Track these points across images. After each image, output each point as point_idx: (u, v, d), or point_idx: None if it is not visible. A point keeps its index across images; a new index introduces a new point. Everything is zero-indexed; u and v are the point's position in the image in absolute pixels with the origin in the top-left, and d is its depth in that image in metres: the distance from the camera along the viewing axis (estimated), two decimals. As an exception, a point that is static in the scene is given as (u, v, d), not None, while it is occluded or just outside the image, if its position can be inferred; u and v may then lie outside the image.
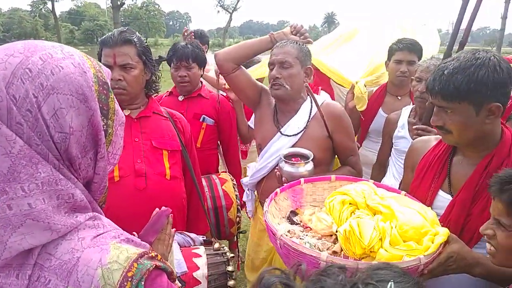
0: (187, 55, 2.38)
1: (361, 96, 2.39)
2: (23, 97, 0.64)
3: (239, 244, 2.60)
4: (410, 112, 2.25)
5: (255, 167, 1.99)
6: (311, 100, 1.88)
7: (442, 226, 1.20)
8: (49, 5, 46.38)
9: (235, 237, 2.43)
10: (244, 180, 2.11)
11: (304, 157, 1.72)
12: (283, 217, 1.45)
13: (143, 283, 0.68)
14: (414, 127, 1.92)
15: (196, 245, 1.57)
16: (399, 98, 2.61)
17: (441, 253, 1.11)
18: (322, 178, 1.55)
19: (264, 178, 1.96)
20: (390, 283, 0.78)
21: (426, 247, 1.11)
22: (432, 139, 1.50)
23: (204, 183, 2.24)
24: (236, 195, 2.27)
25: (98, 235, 0.71)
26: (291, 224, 1.42)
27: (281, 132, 1.89)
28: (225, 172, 2.56)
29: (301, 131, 1.85)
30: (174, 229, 1.17)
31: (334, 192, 1.39)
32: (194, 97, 2.49)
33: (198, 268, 1.43)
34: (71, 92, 0.68)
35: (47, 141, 0.66)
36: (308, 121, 1.86)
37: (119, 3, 29.12)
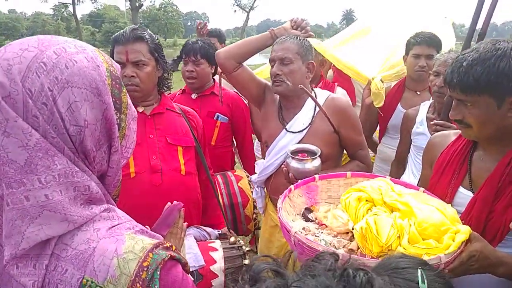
0: (195, 50, 2.38)
1: (378, 92, 2.34)
2: (38, 90, 0.65)
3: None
4: (429, 107, 2.19)
5: (262, 164, 1.97)
6: (315, 95, 1.85)
7: (463, 223, 1.16)
8: (71, 8, 47.58)
9: (253, 233, 2.42)
10: (253, 178, 2.11)
11: (311, 153, 1.70)
12: (297, 214, 1.43)
13: (158, 272, 0.69)
14: (432, 122, 1.86)
15: (212, 239, 1.57)
16: (418, 93, 2.55)
17: (463, 252, 1.07)
18: (337, 175, 1.52)
19: (273, 175, 1.94)
20: (419, 270, 0.77)
21: (446, 245, 1.08)
22: (451, 134, 1.45)
23: (219, 180, 2.25)
24: (252, 191, 2.26)
25: (113, 226, 0.72)
26: (306, 221, 1.40)
27: (286, 129, 1.87)
28: (241, 169, 2.56)
29: (306, 127, 1.84)
30: (186, 223, 1.17)
31: (350, 189, 1.36)
32: (207, 95, 2.48)
33: (215, 261, 1.44)
34: (85, 86, 0.69)
35: (63, 134, 0.67)
36: (313, 116, 1.84)
37: (137, 4, 29.56)
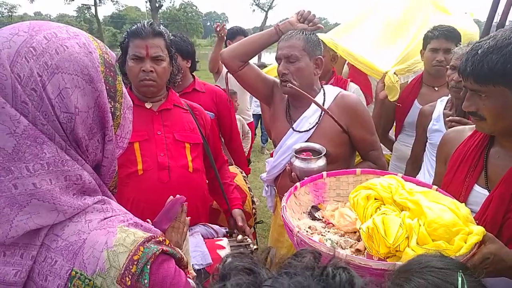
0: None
1: (392, 85, 2.26)
2: (27, 76, 0.63)
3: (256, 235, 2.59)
4: (446, 103, 2.10)
5: (271, 165, 1.93)
6: (324, 93, 1.79)
7: (478, 224, 1.10)
8: (93, 10, 48.61)
9: (253, 228, 2.40)
10: (263, 176, 2.07)
11: (317, 152, 1.64)
12: (303, 212, 1.39)
13: (148, 267, 0.67)
14: (448, 118, 1.77)
15: (219, 237, 1.56)
16: (436, 89, 2.45)
17: (476, 254, 1.01)
18: (346, 172, 1.47)
19: (281, 174, 1.90)
20: (460, 274, 0.73)
21: (458, 247, 1.02)
22: (466, 129, 1.38)
23: None
24: (248, 187, 2.23)
25: (105, 218, 0.71)
26: (312, 219, 1.37)
27: (293, 128, 1.81)
28: (233, 165, 2.52)
29: (313, 127, 1.76)
30: (189, 217, 1.15)
31: (359, 187, 1.32)
32: (189, 92, 2.41)
33: None
34: (76, 72, 0.67)
35: (53, 121, 0.66)
36: (320, 116, 1.77)
37: (157, 5, 29.97)
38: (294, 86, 1.68)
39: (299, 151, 1.66)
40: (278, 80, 1.89)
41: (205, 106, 2.36)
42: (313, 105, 1.78)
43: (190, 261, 1.22)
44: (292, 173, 1.63)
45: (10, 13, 57.66)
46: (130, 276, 0.65)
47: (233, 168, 2.37)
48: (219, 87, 2.66)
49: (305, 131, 1.77)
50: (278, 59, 1.77)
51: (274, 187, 2.05)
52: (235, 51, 1.88)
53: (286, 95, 1.88)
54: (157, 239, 0.72)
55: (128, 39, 1.64)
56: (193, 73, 2.55)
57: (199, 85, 2.46)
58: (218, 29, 3.43)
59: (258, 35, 1.92)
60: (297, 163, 1.62)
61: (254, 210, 2.19)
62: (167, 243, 0.74)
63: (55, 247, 0.66)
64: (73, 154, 0.70)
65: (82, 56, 0.69)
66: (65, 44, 0.68)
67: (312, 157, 1.61)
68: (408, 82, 2.63)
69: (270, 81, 1.95)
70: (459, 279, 0.73)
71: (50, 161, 0.65)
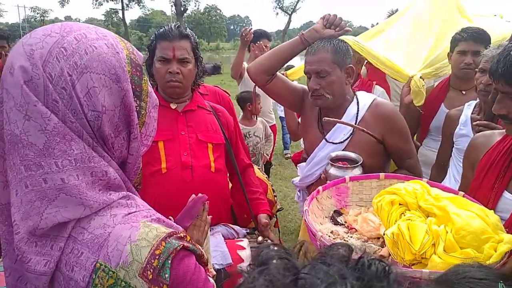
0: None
1: (418, 90, 2.20)
2: (58, 75, 0.66)
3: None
4: (474, 107, 2.03)
5: (304, 169, 1.90)
6: (357, 101, 1.74)
7: (507, 232, 1.06)
8: (121, 14, 49.90)
9: (275, 216, 2.39)
10: (295, 181, 2.05)
11: (352, 161, 1.61)
12: (325, 217, 1.38)
13: (169, 261, 0.69)
14: (475, 123, 1.71)
15: (240, 238, 1.56)
16: (464, 92, 2.38)
17: (506, 263, 0.97)
18: (369, 176, 1.45)
19: (314, 183, 1.86)
20: (501, 285, 0.71)
21: (487, 255, 0.99)
22: (495, 134, 1.33)
23: None
24: (266, 176, 2.23)
25: (129, 213, 0.72)
26: (334, 224, 1.35)
27: (326, 139, 1.76)
28: None
29: (347, 138, 1.71)
30: (210, 216, 1.16)
31: (383, 191, 1.30)
32: None
33: (243, 260, 1.44)
34: (103, 71, 0.69)
35: (81, 119, 0.68)
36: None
37: (182, 9, 30.46)
38: (330, 119, 1.64)
39: (335, 160, 1.62)
40: (307, 88, 1.84)
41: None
42: (346, 116, 1.72)
43: (210, 260, 1.23)
44: (328, 182, 1.59)
45: (42, 17, 59.92)
46: (151, 270, 0.67)
47: None
48: (221, 91, 2.67)
49: (339, 142, 1.72)
50: (307, 73, 1.70)
51: (307, 193, 2.03)
52: (261, 66, 1.84)
53: None
54: (179, 235, 0.73)
55: (155, 41, 1.67)
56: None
57: (202, 88, 2.49)
58: (244, 34, 3.43)
59: (283, 46, 1.86)
60: (333, 171, 1.59)
61: (275, 198, 2.20)
62: (188, 239, 0.75)
63: (81, 239, 0.69)
64: (99, 151, 0.72)
65: (109, 56, 0.71)
66: (94, 45, 0.70)
67: (349, 165, 1.58)
68: (434, 85, 2.56)
69: (299, 90, 1.91)
70: None
71: (77, 158, 0.68)
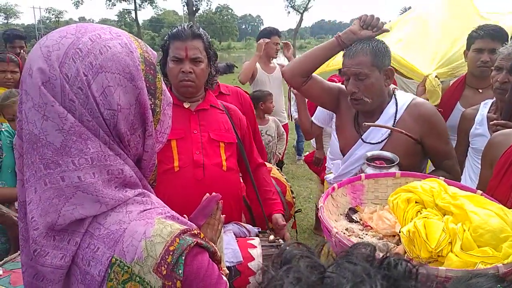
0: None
1: (433, 89, 2.18)
2: (74, 75, 0.68)
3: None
4: (490, 106, 1.99)
5: (339, 166, 1.89)
6: (395, 101, 1.70)
7: (527, 231, 1.04)
8: (133, 14, 50.38)
9: (293, 217, 2.41)
10: (328, 178, 2.04)
11: (389, 161, 1.58)
12: (340, 214, 1.38)
13: (183, 258, 0.69)
14: (492, 122, 1.68)
15: (251, 236, 1.57)
16: (480, 91, 2.34)
17: None
18: (385, 174, 1.44)
19: None
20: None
21: (505, 254, 0.97)
22: None
23: None
24: (285, 178, 2.24)
25: (145, 210, 0.73)
26: (349, 221, 1.35)
27: (362, 140, 1.73)
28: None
29: (385, 139, 1.67)
30: (224, 215, 1.17)
31: (399, 189, 1.29)
32: (216, 96, 2.40)
33: (253, 258, 1.44)
34: (118, 71, 0.71)
35: (97, 117, 0.70)
36: (393, 126, 1.66)
37: (194, 9, 30.60)
38: (368, 124, 1.62)
39: (371, 159, 1.60)
40: (343, 88, 1.82)
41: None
42: (384, 116, 1.69)
43: (224, 258, 1.24)
44: (389, 172, 1.56)
45: (57, 19, 60.88)
46: (165, 266, 0.68)
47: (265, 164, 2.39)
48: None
49: (376, 143, 1.70)
50: (344, 75, 1.68)
51: None
52: (296, 68, 1.83)
53: None
54: (193, 232, 0.74)
55: (169, 41, 1.69)
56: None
57: (224, 88, 2.52)
58: (261, 44, 3.47)
59: (318, 49, 1.82)
60: (370, 171, 1.56)
61: (294, 200, 2.21)
62: (202, 237, 0.76)
63: (98, 234, 0.70)
64: (116, 149, 0.73)
65: (124, 56, 0.72)
66: (108, 45, 0.71)
67: (385, 165, 1.55)
68: (450, 84, 2.54)
69: (335, 90, 1.88)
70: None
71: (93, 156, 0.69)
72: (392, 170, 1.53)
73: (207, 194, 1.17)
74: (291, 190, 2.21)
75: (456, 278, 0.84)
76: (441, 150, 1.69)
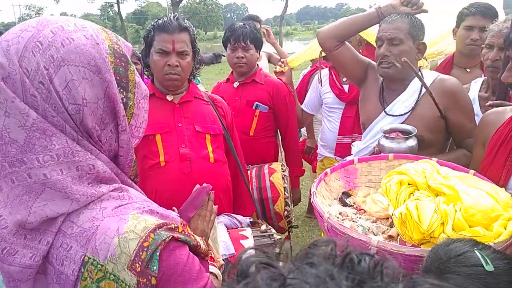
0: (245, 36, 2.25)
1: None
2: (34, 69, 0.65)
3: (292, 242, 2.46)
4: (481, 85, 1.97)
5: (358, 146, 1.88)
6: (422, 76, 1.69)
7: (520, 209, 1.05)
8: (116, 7, 49.50)
9: (287, 232, 2.30)
10: (348, 159, 2.02)
11: (407, 133, 1.56)
12: (334, 199, 1.37)
13: (158, 253, 0.67)
14: (488, 103, 1.67)
15: (243, 227, 1.56)
16: (468, 70, 2.32)
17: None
18: (378, 157, 1.44)
19: None
20: (477, 252, 0.71)
21: (497, 233, 0.98)
22: (507, 110, 1.29)
23: (253, 173, 2.17)
24: (284, 187, 2.10)
25: (120, 206, 0.71)
26: (343, 206, 1.34)
27: (386, 112, 1.73)
28: (279, 162, 2.38)
29: (408, 111, 1.67)
30: (216, 205, 1.15)
31: (392, 172, 1.29)
32: (248, 83, 2.35)
33: None
34: (82, 63, 0.68)
35: (62, 112, 0.67)
36: (417, 99, 1.67)
37: (178, 0, 30.16)
38: (408, 61, 1.59)
39: (389, 132, 1.59)
40: (372, 62, 1.84)
41: (261, 98, 2.32)
42: (410, 88, 1.70)
43: (219, 250, 1.23)
44: (382, 154, 1.57)
45: (37, 15, 59.55)
46: (140, 263, 0.66)
47: (275, 165, 2.25)
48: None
49: (399, 115, 1.70)
50: (379, 40, 1.70)
51: None
52: (332, 31, 1.85)
53: (381, 78, 1.81)
54: (169, 226, 0.71)
55: (153, 32, 1.64)
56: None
57: (259, 77, 2.38)
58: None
59: (358, 16, 1.86)
60: (387, 143, 1.55)
61: (287, 212, 2.08)
62: (180, 230, 0.73)
63: (70, 233, 0.68)
64: (85, 144, 0.70)
65: (88, 48, 0.69)
66: (71, 37, 0.68)
67: (401, 136, 1.54)
68: (437, 64, 2.53)
69: (365, 62, 1.90)
70: (479, 257, 0.74)
71: (59, 153, 0.67)
72: (410, 141, 1.52)
73: (197, 185, 1.15)
74: (286, 201, 2.08)
75: (436, 245, 0.85)
76: (465, 126, 1.68)
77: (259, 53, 2.39)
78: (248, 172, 2.17)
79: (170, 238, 0.70)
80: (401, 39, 1.62)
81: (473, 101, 1.96)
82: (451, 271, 0.76)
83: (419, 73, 1.68)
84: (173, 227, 0.72)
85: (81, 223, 0.68)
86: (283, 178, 2.12)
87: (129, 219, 0.68)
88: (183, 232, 0.74)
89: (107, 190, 0.72)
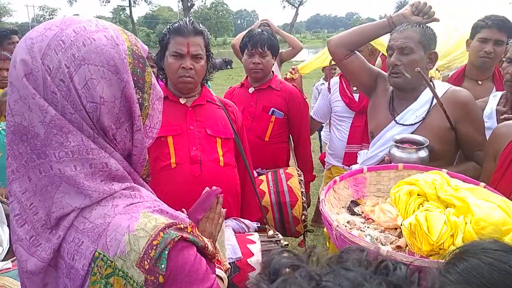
0: (262, 42, 2.28)
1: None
2: (56, 67, 0.67)
3: (296, 250, 2.49)
4: (500, 99, 1.95)
5: (365, 155, 1.88)
6: (434, 87, 1.68)
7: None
8: (128, 11, 50.07)
9: (303, 235, 2.31)
10: (354, 168, 2.01)
11: (418, 144, 1.55)
12: (342, 207, 1.37)
13: (166, 252, 0.68)
14: (502, 117, 1.66)
15: (250, 232, 1.56)
16: (480, 82, 2.32)
17: None
18: (387, 167, 1.43)
19: None
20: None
21: (508, 247, 0.97)
22: None
23: (269, 177, 2.19)
24: (302, 191, 2.12)
25: (132, 204, 0.73)
26: (351, 214, 1.34)
27: (396, 121, 1.72)
28: (294, 167, 2.41)
29: (419, 121, 1.66)
30: (225, 209, 1.15)
31: (401, 182, 1.28)
32: (264, 89, 2.39)
33: (253, 254, 1.43)
34: (102, 63, 0.70)
35: (80, 110, 0.69)
36: (428, 110, 1.66)
37: (189, 4, 30.43)
38: (421, 71, 1.59)
39: (400, 142, 1.58)
40: (382, 72, 1.84)
41: (277, 104, 2.35)
42: (421, 98, 1.70)
43: (225, 253, 1.23)
44: (391, 164, 1.55)
45: (51, 16, 60.37)
46: (148, 260, 0.67)
47: (291, 169, 2.27)
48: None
49: (409, 124, 1.68)
50: (390, 49, 1.70)
51: None
52: (343, 40, 1.86)
53: (391, 87, 1.81)
54: (178, 226, 0.72)
55: (169, 35, 1.66)
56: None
57: (275, 83, 2.41)
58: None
59: (369, 25, 1.86)
60: (398, 153, 1.53)
61: (304, 217, 2.10)
62: (189, 231, 0.74)
63: (82, 228, 0.70)
64: (100, 142, 0.72)
65: (108, 48, 0.71)
66: (92, 37, 0.70)
67: (413, 147, 1.53)
68: (449, 75, 2.52)
69: (374, 71, 1.91)
70: None
71: (74, 150, 0.69)
72: (421, 152, 1.51)
73: (207, 188, 1.15)
74: (304, 206, 2.10)
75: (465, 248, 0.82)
76: (474, 139, 1.66)
77: (275, 60, 2.40)
78: (264, 176, 2.20)
79: (179, 237, 0.71)
80: (411, 48, 1.62)
81: (491, 115, 1.94)
82: (474, 256, 0.73)
83: (431, 83, 1.67)
84: (182, 227, 0.73)
85: (93, 219, 0.70)
86: (299, 182, 2.14)
87: (140, 217, 0.70)
88: (191, 232, 0.75)
89: (119, 188, 0.74)
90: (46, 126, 0.67)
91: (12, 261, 1.46)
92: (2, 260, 1.54)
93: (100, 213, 0.70)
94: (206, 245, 0.79)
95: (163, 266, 0.68)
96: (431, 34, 1.67)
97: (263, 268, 0.42)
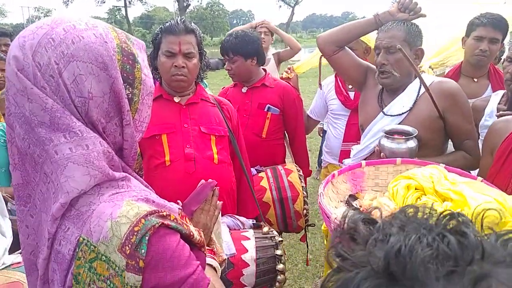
0: (226, 49, 2.30)
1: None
2: (46, 64, 0.71)
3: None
4: (501, 98, 1.96)
5: (357, 149, 1.90)
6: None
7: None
8: (123, 11, 49.95)
9: (304, 230, 2.32)
10: (346, 162, 2.01)
11: (407, 135, 1.57)
12: (340, 201, 1.37)
13: (147, 238, 0.71)
14: (498, 113, 1.67)
15: (245, 228, 1.56)
16: (475, 80, 2.33)
17: None
18: (385, 161, 1.44)
19: (366, 159, 1.83)
20: None
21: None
22: None
23: (269, 173, 2.20)
24: (302, 186, 2.15)
25: (117, 193, 0.76)
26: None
27: (384, 112, 1.76)
28: (292, 163, 2.44)
29: (406, 111, 1.69)
30: (221, 202, 1.17)
31: (399, 176, 1.28)
32: (258, 87, 2.39)
33: (247, 250, 1.43)
34: (90, 60, 0.73)
35: (69, 104, 0.73)
36: (416, 99, 1.69)
37: (185, 5, 30.39)
38: (402, 48, 1.60)
39: (389, 133, 1.60)
40: (371, 66, 1.86)
41: (272, 101, 2.36)
42: (408, 89, 1.72)
43: (222, 244, 1.24)
44: (381, 154, 1.58)
45: (45, 17, 59.93)
46: (129, 246, 0.70)
47: (290, 165, 2.29)
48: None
49: (397, 115, 1.71)
50: (376, 49, 1.73)
51: None
52: (331, 36, 1.89)
53: None
54: (161, 214, 0.74)
55: (161, 35, 1.67)
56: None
57: (268, 81, 2.41)
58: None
59: (356, 23, 1.90)
60: (387, 144, 1.56)
61: (305, 211, 2.12)
62: (172, 218, 0.76)
63: (69, 215, 0.73)
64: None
65: (97, 46, 0.74)
66: (81, 35, 0.74)
67: (402, 137, 1.55)
68: (445, 72, 2.54)
69: (363, 66, 1.94)
70: None
71: (81, 129, 0.73)
72: (410, 142, 1.53)
73: (202, 181, 1.17)
74: (305, 201, 2.12)
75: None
76: (463, 128, 1.68)
77: (255, 59, 2.35)
78: (263, 173, 2.21)
79: (159, 224, 0.73)
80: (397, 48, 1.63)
81: (491, 114, 1.95)
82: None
83: (417, 68, 1.68)
84: (165, 215, 0.75)
85: (79, 206, 0.73)
86: (299, 177, 2.17)
87: (123, 205, 0.73)
88: (175, 220, 0.77)
89: (119, 177, 0.77)
90: (49, 112, 0.71)
91: (20, 254, 1.45)
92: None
93: (86, 201, 0.74)
94: (192, 233, 0.80)
95: (143, 251, 0.71)
96: (416, 31, 1.69)
97: (339, 225, 0.45)
